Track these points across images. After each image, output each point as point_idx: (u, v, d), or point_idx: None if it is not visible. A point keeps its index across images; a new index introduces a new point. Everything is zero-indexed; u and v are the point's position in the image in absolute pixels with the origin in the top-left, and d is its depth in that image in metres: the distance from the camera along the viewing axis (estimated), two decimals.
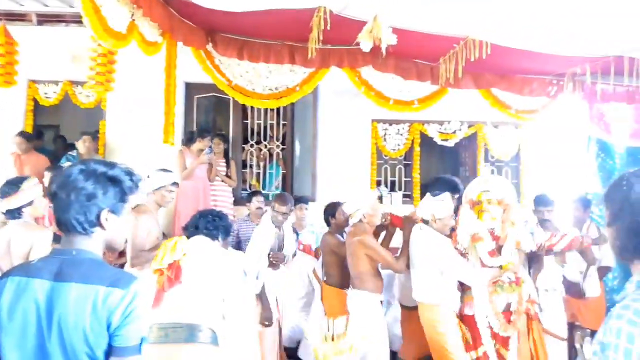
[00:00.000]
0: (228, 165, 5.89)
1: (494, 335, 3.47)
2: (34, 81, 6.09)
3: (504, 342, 3.47)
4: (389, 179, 6.47)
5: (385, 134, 6.29)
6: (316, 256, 5.14)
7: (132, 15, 3.25)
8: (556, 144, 6.15)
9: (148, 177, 3.68)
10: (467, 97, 5.25)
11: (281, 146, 6.45)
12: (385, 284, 3.94)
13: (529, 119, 5.30)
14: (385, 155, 6.34)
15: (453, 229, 3.65)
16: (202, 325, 2.72)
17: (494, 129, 6.24)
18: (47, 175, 4.68)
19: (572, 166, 5.93)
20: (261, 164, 6.44)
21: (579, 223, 4.62)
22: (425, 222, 3.65)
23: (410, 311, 3.86)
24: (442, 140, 6.26)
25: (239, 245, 4.97)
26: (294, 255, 4.40)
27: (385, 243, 4.01)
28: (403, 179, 6.52)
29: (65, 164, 5.50)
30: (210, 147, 5.42)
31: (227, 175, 5.81)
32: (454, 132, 6.25)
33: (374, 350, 3.58)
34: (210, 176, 5.57)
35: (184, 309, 2.74)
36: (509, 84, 4.87)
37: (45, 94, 6.11)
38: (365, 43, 3.48)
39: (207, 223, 3.10)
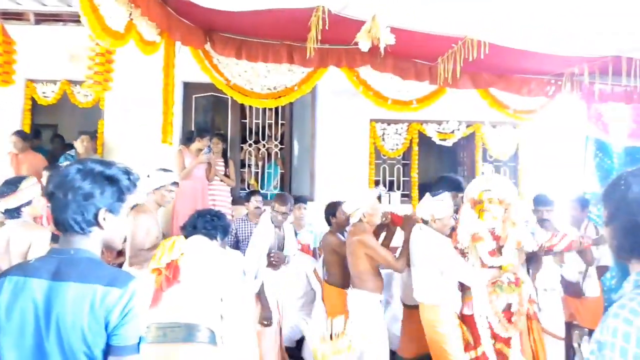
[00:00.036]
0: (227, 165, 5.89)
1: (495, 336, 3.45)
2: (32, 80, 6.08)
3: (506, 341, 3.45)
4: (387, 178, 6.47)
5: (383, 134, 6.30)
6: (314, 256, 5.15)
7: (130, 14, 3.25)
8: (554, 144, 6.16)
9: (148, 176, 3.69)
10: (466, 97, 5.25)
11: (280, 146, 6.45)
12: (385, 284, 3.94)
13: (527, 119, 5.30)
14: (384, 155, 6.35)
15: (453, 229, 3.64)
16: (200, 325, 2.73)
17: (492, 129, 6.25)
18: (45, 175, 4.68)
19: (570, 166, 5.94)
20: (260, 163, 6.44)
21: (576, 223, 4.63)
22: (425, 222, 3.65)
23: (411, 310, 3.86)
24: (440, 140, 6.27)
25: (237, 245, 4.97)
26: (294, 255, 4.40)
27: (386, 242, 4.00)
28: (401, 178, 6.53)
29: (63, 163, 5.50)
30: (209, 147, 5.41)
31: (225, 175, 5.81)
32: (453, 131, 6.26)
33: (374, 349, 3.57)
34: (209, 176, 5.56)
35: (182, 308, 2.74)
36: (507, 83, 4.88)
37: (43, 93, 6.10)
38: (363, 43, 3.48)
39: (206, 223, 3.10)
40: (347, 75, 4.71)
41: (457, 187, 4.07)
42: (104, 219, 1.49)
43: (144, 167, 3.45)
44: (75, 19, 5.46)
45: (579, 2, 3.17)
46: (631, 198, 1.29)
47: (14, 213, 3.14)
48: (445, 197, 3.64)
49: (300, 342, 4.70)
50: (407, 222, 3.82)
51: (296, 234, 4.69)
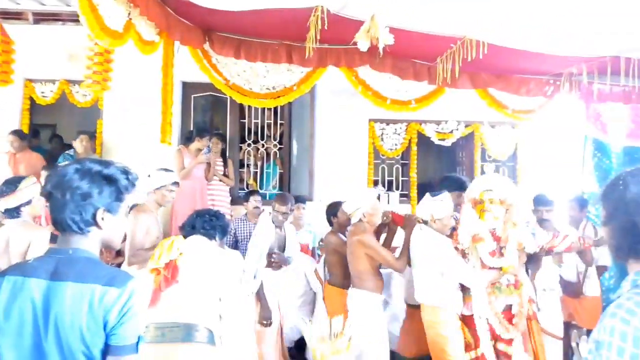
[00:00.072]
0: (225, 165, 5.88)
1: (497, 336, 3.43)
2: (31, 80, 6.08)
3: (508, 342, 3.43)
4: (386, 178, 6.48)
5: (382, 134, 6.31)
6: (313, 255, 5.15)
7: (129, 14, 3.24)
8: (553, 144, 6.17)
9: (149, 176, 3.70)
10: (464, 97, 5.26)
11: (278, 145, 6.45)
12: (384, 283, 3.93)
13: (526, 119, 5.31)
14: (383, 155, 6.35)
15: (454, 229, 3.63)
16: (199, 325, 2.72)
17: (491, 129, 6.26)
18: (44, 175, 4.67)
19: (568, 166, 5.95)
20: (258, 163, 6.44)
21: (575, 222, 4.64)
22: (425, 222, 3.65)
23: (415, 310, 3.84)
24: (439, 139, 6.28)
25: (236, 245, 4.96)
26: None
27: (388, 242, 3.99)
28: (400, 178, 6.53)
29: (62, 163, 5.49)
30: (208, 146, 5.41)
31: (224, 175, 5.81)
32: (451, 131, 6.26)
33: (373, 349, 3.57)
34: (208, 176, 5.56)
35: (180, 308, 2.74)
36: (506, 83, 4.88)
37: (42, 93, 6.09)
38: (362, 43, 3.48)
39: (204, 223, 3.10)
40: (346, 75, 4.71)
41: (460, 187, 4.06)
42: (102, 218, 1.49)
43: (143, 167, 3.46)
44: (74, 19, 5.45)
45: (578, 2, 3.18)
46: (629, 198, 1.30)
47: (13, 213, 3.15)
48: (445, 197, 3.63)
49: (300, 342, 4.69)
50: (408, 222, 3.81)
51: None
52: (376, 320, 3.66)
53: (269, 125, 6.44)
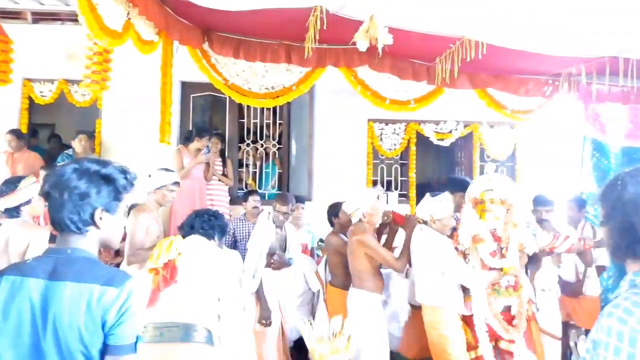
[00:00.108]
0: (224, 165, 5.88)
1: (497, 336, 3.42)
2: (29, 79, 6.07)
3: (509, 342, 3.43)
4: (385, 178, 6.48)
5: (381, 134, 6.31)
6: (312, 255, 5.14)
7: (128, 13, 3.24)
8: (552, 144, 6.18)
9: (149, 176, 3.70)
10: (463, 97, 5.26)
11: (277, 145, 6.45)
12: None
13: (525, 119, 5.31)
14: (382, 155, 6.36)
15: (454, 229, 3.63)
16: (197, 325, 2.72)
17: (490, 129, 6.26)
18: (42, 174, 4.67)
19: (567, 166, 5.96)
20: (257, 163, 6.44)
21: (573, 223, 4.64)
22: (425, 222, 3.64)
23: (418, 311, 3.83)
24: (438, 139, 6.28)
25: (235, 245, 4.96)
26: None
27: (389, 242, 3.98)
28: (399, 178, 6.54)
29: (61, 163, 5.48)
30: (208, 147, 5.41)
31: (223, 175, 5.80)
32: (450, 131, 6.27)
33: (373, 349, 3.56)
34: (207, 176, 5.56)
35: (179, 308, 2.74)
36: (505, 84, 4.88)
37: (41, 92, 6.08)
38: (361, 43, 3.48)
39: (203, 223, 3.10)
40: (345, 75, 4.71)
41: (464, 189, 4.05)
42: (101, 218, 1.49)
43: (142, 167, 3.46)
44: (72, 18, 5.45)
45: (577, 2, 3.18)
46: (627, 198, 1.30)
47: (13, 212, 3.16)
48: (445, 197, 3.62)
49: (299, 342, 4.69)
50: (409, 222, 3.80)
51: None
52: (376, 320, 3.66)
53: (267, 125, 6.44)
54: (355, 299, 3.69)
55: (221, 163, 5.84)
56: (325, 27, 3.37)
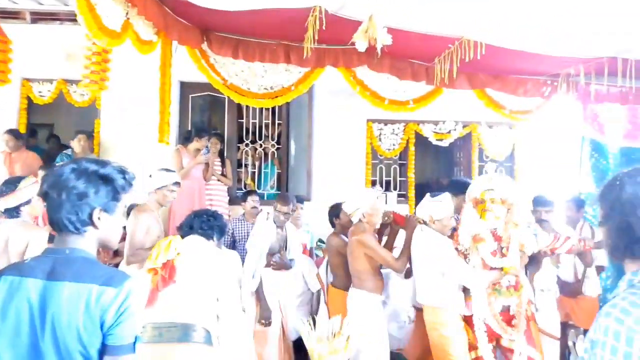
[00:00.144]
0: (223, 165, 5.88)
1: (497, 335, 3.42)
2: (28, 79, 6.07)
3: (511, 340, 3.43)
4: (384, 178, 6.48)
5: (380, 134, 6.31)
6: (311, 255, 5.14)
7: (127, 13, 3.24)
8: (550, 145, 6.18)
9: (150, 176, 3.71)
10: (462, 98, 5.26)
11: (276, 145, 6.45)
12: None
13: (524, 119, 5.31)
14: (380, 155, 6.36)
15: (455, 229, 3.62)
16: (196, 325, 2.72)
17: (489, 129, 6.26)
18: (41, 174, 4.66)
19: (566, 166, 5.96)
20: (256, 163, 6.44)
21: (572, 223, 4.65)
22: (424, 222, 3.64)
23: (422, 313, 3.84)
24: (436, 140, 6.29)
25: (234, 245, 4.97)
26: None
27: (389, 242, 3.98)
28: (398, 178, 6.54)
29: (60, 163, 5.48)
30: (207, 147, 5.41)
31: (222, 175, 5.81)
32: (449, 132, 6.27)
33: (373, 350, 3.55)
34: (206, 176, 5.56)
35: (178, 308, 2.74)
36: (503, 84, 4.89)
37: (40, 92, 6.08)
38: (360, 43, 3.48)
39: (202, 223, 3.11)
40: (344, 75, 4.71)
41: (466, 190, 4.05)
42: (99, 218, 1.49)
43: (141, 167, 3.47)
44: (71, 18, 5.45)
45: (575, 2, 3.18)
46: (625, 199, 1.31)
47: (13, 212, 3.17)
48: (445, 198, 3.62)
49: (298, 342, 4.69)
50: (409, 223, 3.79)
51: None
52: (375, 320, 3.65)
53: (266, 125, 6.44)
54: (355, 299, 3.69)
55: (220, 163, 5.84)
56: (324, 27, 3.38)
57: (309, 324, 3.34)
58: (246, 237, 4.77)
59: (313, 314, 4.42)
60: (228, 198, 5.88)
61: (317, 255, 5.30)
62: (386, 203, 5.86)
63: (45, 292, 1.40)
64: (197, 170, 5.40)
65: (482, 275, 3.43)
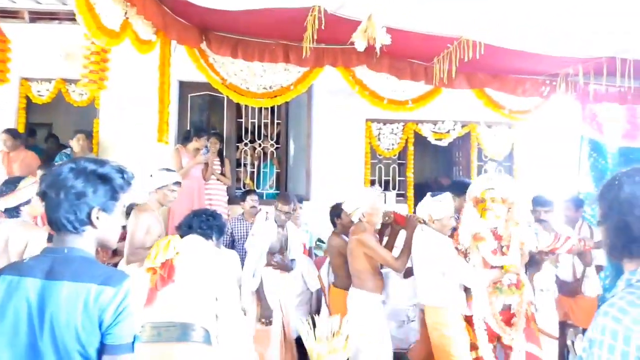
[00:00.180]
0: (222, 164, 5.89)
1: (495, 335, 3.42)
2: (27, 79, 6.06)
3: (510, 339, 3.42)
4: (383, 178, 6.49)
5: (379, 134, 6.31)
6: (310, 255, 5.15)
7: (126, 13, 3.24)
8: (549, 144, 6.19)
9: (151, 176, 3.72)
10: (461, 97, 5.27)
11: (275, 145, 6.45)
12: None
13: (522, 119, 5.32)
14: (379, 155, 6.36)
15: (455, 229, 3.62)
16: (195, 325, 2.72)
17: (488, 129, 6.27)
18: (40, 174, 4.66)
19: (564, 166, 5.97)
20: (255, 162, 6.44)
21: (570, 222, 4.65)
22: (424, 222, 3.64)
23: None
24: (435, 139, 6.29)
25: (233, 244, 4.97)
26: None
27: (390, 242, 3.97)
28: (397, 178, 6.54)
29: (58, 162, 5.47)
30: (206, 146, 5.41)
31: (221, 174, 5.81)
32: (448, 131, 6.28)
33: (373, 349, 3.55)
34: (205, 175, 5.56)
35: (177, 308, 2.74)
36: (502, 84, 4.89)
37: (38, 91, 6.07)
38: (359, 42, 3.48)
39: (201, 222, 3.11)
40: (343, 74, 4.71)
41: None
42: (97, 217, 1.49)
43: (140, 166, 3.46)
44: (70, 17, 5.45)
45: (574, 2, 3.19)
46: (623, 198, 1.31)
47: (13, 212, 3.18)
48: (445, 198, 3.61)
49: (298, 342, 4.69)
50: (410, 222, 3.79)
51: None
52: (375, 320, 3.65)
53: (265, 125, 6.44)
54: (355, 299, 3.69)
55: (219, 163, 5.84)
56: (323, 27, 3.38)
57: (308, 323, 3.34)
58: (245, 236, 4.77)
59: (312, 313, 4.42)
60: (227, 197, 5.88)
61: (316, 255, 5.31)
62: (385, 203, 5.86)
63: (43, 292, 1.40)
64: (196, 169, 5.40)
65: (482, 274, 3.42)
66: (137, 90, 5.58)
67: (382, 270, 3.91)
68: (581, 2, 3.18)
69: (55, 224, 1.47)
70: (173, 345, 2.66)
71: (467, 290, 3.54)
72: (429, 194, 3.70)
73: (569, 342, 4.24)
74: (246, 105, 5.78)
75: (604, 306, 1.25)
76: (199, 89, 6.07)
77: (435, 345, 3.48)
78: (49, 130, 7.55)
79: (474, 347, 3.41)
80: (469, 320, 3.48)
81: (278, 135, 6.46)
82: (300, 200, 5.31)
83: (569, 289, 4.50)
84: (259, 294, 3.87)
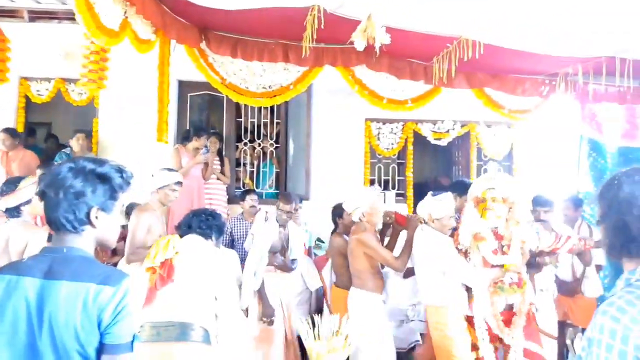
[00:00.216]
0: (222, 164, 5.88)
1: (495, 336, 3.42)
2: (26, 78, 6.05)
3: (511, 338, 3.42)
4: (383, 177, 6.48)
5: (378, 133, 6.31)
6: (309, 254, 5.15)
7: (125, 12, 3.24)
8: (548, 144, 6.19)
9: (152, 176, 3.72)
10: (460, 97, 5.27)
11: (275, 144, 6.45)
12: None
13: (522, 119, 5.32)
14: (379, 154, 6.36)
15: (455, 229, 3.62)
16: (194, 324, 2.72)
17: (487, 128, 6.27)
18: (39, 173, 4.66)
19: (564, 165, 5.97)
20: (255, 162, 6.44)
21: (570, 222, 4.65)
22: (424, 222, 3.64)
23: None
24: (435, 139, 6.29)
25: (232, 244, 4.97)
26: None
27: (392, 242, 3.97)
28: (396, 177, 6.54)
29: (58, 162, 5.46)
30: (206, 146, 5.41)
31: (221, 173, 5.81)
32: (447, 131, 6.28)
33: (374, 349, 3.54)
34: (205, 175, 5.56)
35: (176, 307, 2.74)
36: (502, 83, 4.90)
37: (37, 91, 6.07)
38: (359, 42, 3.49)
39: (200, 222, 3.11)
40: (343, 74, 4.71)
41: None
42: (96, 217, 1.48)
43: (139, 166, 3.47)
44: (69, 17, 5.44)
45: (574, 2, 3.19)
46: (622, 197, 1.31)
47: (13, 212, 3.19)
48: (445, 197, 3.61)
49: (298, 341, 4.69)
50: (411, 222, 3.78)
51: None
52: (376, 319, 3.65)
53: (265, 124, 6.44)
54: (355, 298, 3.69)
55: (219, 162, 5.84)
56: (322, 27, 3.38)
57: (308, 322, 3.34)
58: (245, 236, 4.77)
59: (312, 312, 4.43)
60: (227, 197, 5.88)
61: (315, 255, 5.31)
62: (384, 202, 5.86)
63: (42, 291, 1.39)
64: (196, 169, 5.40)
65: (483, 273, 3.42)
66: (137, 89, 5.58)
67: (383, 271, 3.91)
68: (581, 2, 3.18)
69: (54, 224, 1.47)
70: (172, 345, 2.67)
71: (468, 290, 3.54)
72: (430, 193, 3.70)
73: (568, 342, 4.24)
74: (246, 105, 5.78)
75: (602, 305, 1.25)
76: (198, 89, 6.06)
77: (436, 345, 3.48)
78: (48, 130, 7.54)
79: (474, 347, 3.41)
80: (470, 320, 3.48)
81: (277, 134, 6.46)
82: (300, 200, 5.31)
83: (568, 289, 4.50)
84: (261, 293, 3.87)
